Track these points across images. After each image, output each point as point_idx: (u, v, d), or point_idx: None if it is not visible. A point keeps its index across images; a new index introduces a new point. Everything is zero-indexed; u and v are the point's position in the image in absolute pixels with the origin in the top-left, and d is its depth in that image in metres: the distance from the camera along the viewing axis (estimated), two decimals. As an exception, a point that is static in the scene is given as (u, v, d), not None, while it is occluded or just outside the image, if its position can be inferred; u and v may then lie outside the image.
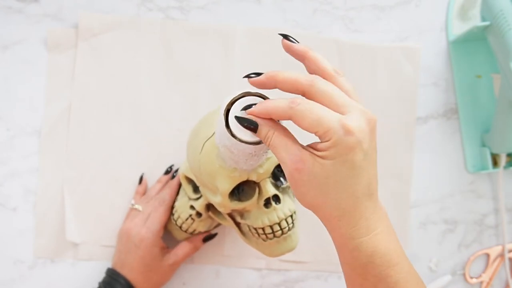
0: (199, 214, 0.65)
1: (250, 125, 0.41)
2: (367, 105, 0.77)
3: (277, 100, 0.40)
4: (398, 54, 0.76)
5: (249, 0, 0.77)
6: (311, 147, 0.40)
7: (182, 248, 0.69)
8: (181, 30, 0.75)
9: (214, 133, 0.53)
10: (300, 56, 0.43)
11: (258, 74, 0.42)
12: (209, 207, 0.64)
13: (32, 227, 0.73)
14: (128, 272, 0.66)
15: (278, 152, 0.40)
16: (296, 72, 0.41)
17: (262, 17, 0.77)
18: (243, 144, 0.42)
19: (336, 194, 0.39)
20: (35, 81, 0.75)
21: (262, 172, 0.54)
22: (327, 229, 0.42)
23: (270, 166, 0.55)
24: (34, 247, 0.73)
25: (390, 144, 0.76)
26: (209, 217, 0.65)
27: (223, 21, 0.76)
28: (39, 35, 0.75)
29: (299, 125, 0.39)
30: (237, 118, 0.41)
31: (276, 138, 0.40)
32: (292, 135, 0.41)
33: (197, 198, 0.64)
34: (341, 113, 0.39)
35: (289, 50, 0.43)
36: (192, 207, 0.65)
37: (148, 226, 0.67)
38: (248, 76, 0.42)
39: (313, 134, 0.39)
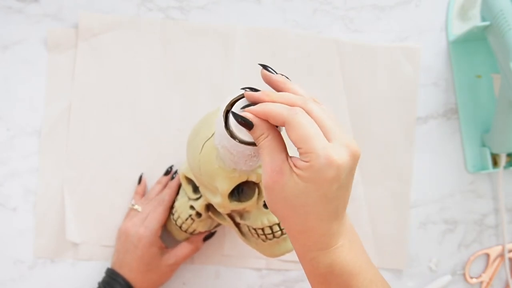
0: (199, 214, 0.65)
1: (246, 123, 0.41)
2: (367, 105, 0.78)
3: (278, 104, 0.40)
4: (398, 54, 0.76)
5: (249, 0, 0.77)
6: (293, 161, 0.40)
7: (182, 249, 0.69)
8: (181, 30, 0.75)
9: (213, 134, 0.53)
10: (278, 87, 0.43)
11: (256, 90, 0.42)
12: (209, 207, 0.64)
13: (32, 227, 0.73)
14: (127, 272, 0.66)
15: (263, 155, 0.41)
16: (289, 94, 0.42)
17: (262, 17, 0.77)
18: (242, 145, 0.42)
19: (303, 213, 0.40)
20: (35, 81, 0.75)
21: (261, 173, 0.54)
22: (289, 237, 0.44)
23: None
24: (34, 247, 0.73)
25: (390, 144, 0.76)
26: (209, 217, 0.65)
27: (223, 21, 0.76)
28: (39, 35, 0.75)
29: (288, 134, 0.39)
30: (233, 113, 0.41)
31: (267, 141, 0.41)
32: (283, 143, 0.41)
33: (197, 198, 0.64)
34: (328, 139, 0.39)
35: (268, 81, 0.43)
36: (192, 207, 0.65)
37: (146, 225, 0.67)
38: (244, 88, 0.43)
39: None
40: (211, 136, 0.53)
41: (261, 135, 0.41)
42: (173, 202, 0.69)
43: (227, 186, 0.53)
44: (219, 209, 0.58)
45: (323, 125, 0.39)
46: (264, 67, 0.43)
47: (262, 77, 0.43)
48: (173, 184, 0.71)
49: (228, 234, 0.74)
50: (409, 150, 0.76)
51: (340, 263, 0.42)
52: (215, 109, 0.59)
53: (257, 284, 0.75)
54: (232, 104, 0.42)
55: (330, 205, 0.40)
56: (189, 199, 0.65)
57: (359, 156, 0.40)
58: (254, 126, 0.41)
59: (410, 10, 0.78)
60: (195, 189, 0.64)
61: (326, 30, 0.77)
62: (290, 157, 0.41)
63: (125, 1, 0.76)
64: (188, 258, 0.70)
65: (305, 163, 0.39)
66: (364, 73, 0.76)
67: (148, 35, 0.75)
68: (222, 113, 0.42)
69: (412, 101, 0.76)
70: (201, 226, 0.67)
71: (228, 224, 0.62)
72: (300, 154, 0.39)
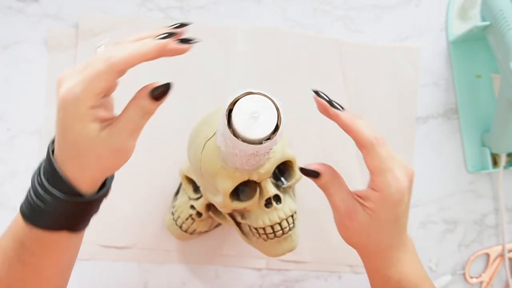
0: (199, 214, 0.65)
1: (313, 174, 0.45)
2: (367, 105, 0.78)
3: (364, 123, 0.43)
4: (398, 54, 0.76)
5: (249, 0, 0.77)
6: (359, 196, 0.44)
7: (126, 114, 0.44)
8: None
9: (215, 133, 0.53)
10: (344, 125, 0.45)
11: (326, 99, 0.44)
12: (210, 206, 0.64)
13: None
14: (58, 155, 0.42)
15: (334, 200, 0.45)
16: (362, 121, 0.44)
17: (262, 17, 0.77)
18: (245, 144, 0.42)
19: (377, 237, 0.45)
20: (35, 81, 0.75)
21: (263, 172, 0.54)
22: (362, 260, 0.48)
23: (271, 166, 0.55)
24: None
25: (391, 144, 0.76)
26: (209, 217, 0.65)
27: (223, 21, 0.76)
28: (39, 35, 0.75)
29: (366, 160, 0.43)
30: (301, 169, 0.45)
31: (333, 186, 0.45)
32: (345, 184, 0.46)
33: (198, 198, 0.64)
34: None
35: (326, 113, 0.45)
36: (192, 207, 0.65)
37: (71, 85, 0.39)
38: (317, 94, 0.44)
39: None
40: (213, 136, 0.53)
41: (327, 182, 0.45)
42: (122, 65, 0.42)
43: (229, 186, 0.53)
44: (220, 209, 0.58)
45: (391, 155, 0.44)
46: (317, 93, 0.44)
47: (319, 109, 0.44)
48: (148, 43, 0.42)
49: (228, 234, 0.74)
50: (409, 150, 0.76)
51: (406, 276, 0.46)
52: (215, 109, 0.59)
53: (257, 284, 0.75)
54: (234, 103, 0.42)
55: (398, 225, 0.45)
56: (190, 198, 0.65)
57: (413, 176, 0.45)
58: (321, 175, 0.45)
59: (410, 10, 0.78)
60: (196, 188, 0.64)
61: (326, 30, 0.77)
62: (355, 192, 0.45)
63: (125, 1, 0.76)
64: (140, 124, 0.44)
65: (375, 193, 0.43)
66: (365, 73, 0.76)
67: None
68: (225, 113, 0.42)
69: (412, 101, 0.76)
70: (201, 226, 0.67)
71: (229, 223, 0.62)
72: (372, 181, 0.43)
